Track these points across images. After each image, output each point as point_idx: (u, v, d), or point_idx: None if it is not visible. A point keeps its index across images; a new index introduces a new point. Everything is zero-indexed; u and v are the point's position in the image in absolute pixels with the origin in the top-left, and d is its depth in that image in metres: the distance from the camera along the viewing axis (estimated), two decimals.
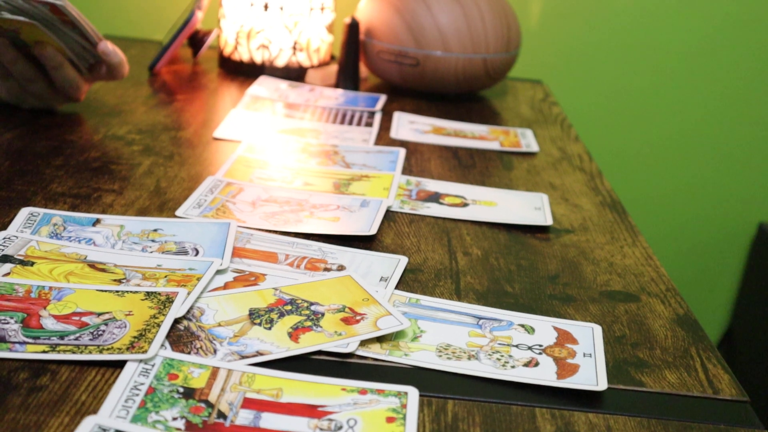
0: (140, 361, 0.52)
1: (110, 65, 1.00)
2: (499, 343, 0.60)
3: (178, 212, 0.77)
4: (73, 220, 0.72)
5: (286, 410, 0.50)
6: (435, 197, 0.88)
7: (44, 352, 0.52)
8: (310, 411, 0.50)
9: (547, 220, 0.84)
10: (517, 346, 0.60)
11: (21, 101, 1.03)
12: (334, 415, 0.50)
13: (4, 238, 0.67)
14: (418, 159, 1.02)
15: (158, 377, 0.51)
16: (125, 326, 0.55)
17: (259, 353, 0.55)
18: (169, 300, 0.59)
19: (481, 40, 1.25)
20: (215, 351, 0.55)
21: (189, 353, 0.54)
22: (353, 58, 1.29)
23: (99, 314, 0.57)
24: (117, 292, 0.60)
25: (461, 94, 1.34)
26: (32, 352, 0.52)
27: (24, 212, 0.73)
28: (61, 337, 0.54)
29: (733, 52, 1.71)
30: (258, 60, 1.33)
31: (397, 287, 0.67)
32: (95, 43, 0.97)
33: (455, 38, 1.24)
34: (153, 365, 0.52)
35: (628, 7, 1.68)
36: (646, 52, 1.70)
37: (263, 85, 1.26)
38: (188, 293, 0.60)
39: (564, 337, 0.62)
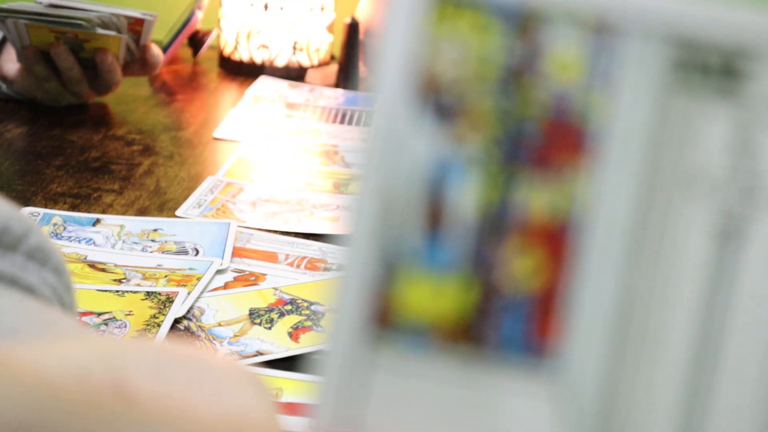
0: None
1: (152, 64, 1.07)
2: None
3: (178, 212, 0.77)
4: (73, 220, 0.72)
5: (286, 410, 0.50)
6: None
7: None
8: (311, 411, 0.50)
9: None
10: None
11: (57, 100, 1.04)
12: None
13: None
14: None
15: None
16: (125, 326, 0.55)
17: (259, 353, 0.55)
18: (169, 300, 0.59)
19: None
20: (215, 351, 0.55)
21: None
22: (353, 58, 1.29)
23: (99, 314, 0.57)
24: (117, 291, 0.60)
25: None
26: None
27: (24, 212, 0.73)
28: None
29: None
30: (258, 60, 1.34)
31: None
32: (143, 44, 1.02)
33: None
34: None
35: None
36: None
37: (263, 85, 1.26)
38: (188, 293, 0.60)
39: None
